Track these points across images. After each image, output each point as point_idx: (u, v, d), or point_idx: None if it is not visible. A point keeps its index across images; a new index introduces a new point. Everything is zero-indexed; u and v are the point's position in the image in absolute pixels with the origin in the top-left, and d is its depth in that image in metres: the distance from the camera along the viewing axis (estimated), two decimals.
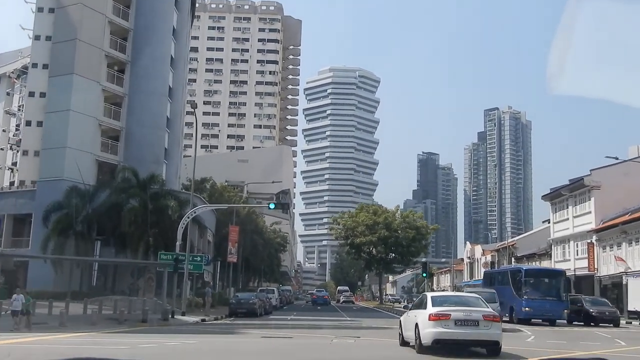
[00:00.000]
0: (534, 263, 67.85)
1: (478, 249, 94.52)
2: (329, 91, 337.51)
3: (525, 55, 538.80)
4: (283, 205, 33.44)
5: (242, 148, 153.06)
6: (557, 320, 37.58)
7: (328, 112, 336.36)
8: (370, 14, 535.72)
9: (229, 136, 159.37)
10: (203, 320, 34.32)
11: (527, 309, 36.81)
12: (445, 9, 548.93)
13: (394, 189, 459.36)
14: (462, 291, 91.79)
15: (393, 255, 79.71)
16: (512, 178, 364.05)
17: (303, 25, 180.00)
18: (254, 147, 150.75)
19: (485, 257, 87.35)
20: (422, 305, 18.54)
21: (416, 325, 17.65)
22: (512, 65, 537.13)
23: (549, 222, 78.75)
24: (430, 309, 17.41)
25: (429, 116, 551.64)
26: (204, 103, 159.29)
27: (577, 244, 57.42)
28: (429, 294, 20.02)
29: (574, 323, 38.23)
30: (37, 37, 55.52)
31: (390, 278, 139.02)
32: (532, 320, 37.19)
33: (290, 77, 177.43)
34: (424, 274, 45.36)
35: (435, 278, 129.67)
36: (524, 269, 41.02)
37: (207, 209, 49.03)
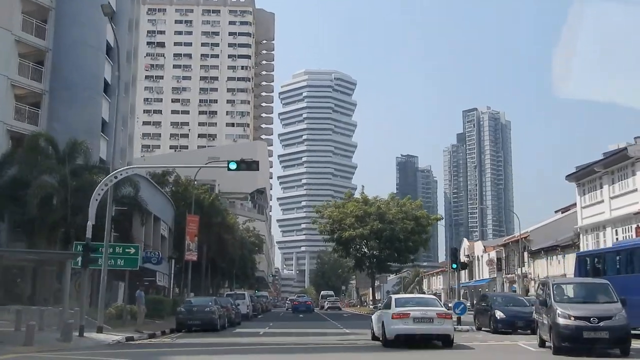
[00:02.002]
0: (556, 257, 57.32)
1: (478, 245, 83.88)
2: (304, 94, 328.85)
3: (506, 54, 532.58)
4: (249, 165, 21.95)
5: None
6: None
7: (304, 115, 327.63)
8: (343, 14, 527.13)
9: (199, 135, 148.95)
10: (130, 339, 23.17)
11: None
12: (421, 9, 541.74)
13: (373, 192, 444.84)
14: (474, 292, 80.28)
15: (387, 251, 66.76)
16: (492, 179, 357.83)
17: (276, 26, 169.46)
18: None
19: (489, 254, 76.65)
20: (388, 306, 21.61)
21: (382, 322, 20.94)
22: (492, 64, 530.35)
23: (562, 212, 68.96)
24: (394, 309, 20.68)
25: (407, 118, 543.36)
26: (172, 101, 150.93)
27: (615, 231, 46.61)
28: (394, 296, 23.58)
29: None
30: None
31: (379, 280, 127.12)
32: None
33: (264, 73, 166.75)
34: (455, 265, 32.00)
35: (426, 281, 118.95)
36: None
37: (140, 177, 37.70)
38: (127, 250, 27.38)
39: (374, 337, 22.61)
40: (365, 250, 67.85)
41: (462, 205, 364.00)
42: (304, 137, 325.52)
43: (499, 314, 27.44)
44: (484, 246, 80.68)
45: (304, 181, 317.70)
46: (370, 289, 75.78)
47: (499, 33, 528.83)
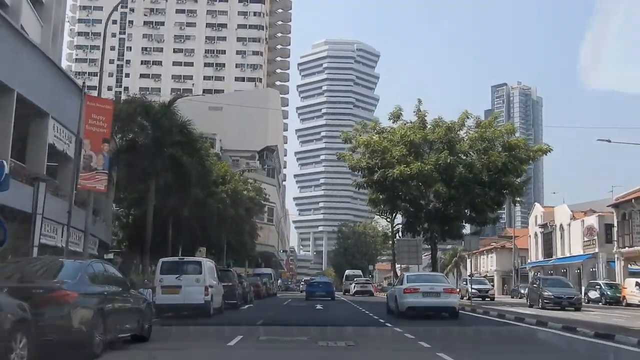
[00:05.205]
0: None
1: (562, 210, 61.20)
2: (324, 66, 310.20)
3: (535, 27, 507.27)
4: None
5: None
6: None
7: (324, 88, 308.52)
8: None
9: (205, 91, 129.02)
10: None
11: None
12: None
13: None
14: None
15: (455, 206, 39.09)
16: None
17: None
18: None
19: (583, 221, 54.94)
20: (401, 282, 24.54)
21: (395, 297, 23.69)
22: (519, 38, 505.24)
23: None
24: (405, 285, 23.32)
25: (432, 93, 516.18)
26: (175, 51, 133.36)
27: None
28: (406, 274, 27.74)
29: None
30: None
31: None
32: None
33: (280, 22, 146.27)
34: None
35: (470, 261, 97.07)
36: None
37: None
38: None
39: (389, 311, 24.90)
40: (426, 200, 39.65)
41: None
42: (323, 110, 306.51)
43: None
44: (572, 211, 58.66)
45: (322, 157, 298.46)
46: (432, 260, 47.46)
47: (533, 5, 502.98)
